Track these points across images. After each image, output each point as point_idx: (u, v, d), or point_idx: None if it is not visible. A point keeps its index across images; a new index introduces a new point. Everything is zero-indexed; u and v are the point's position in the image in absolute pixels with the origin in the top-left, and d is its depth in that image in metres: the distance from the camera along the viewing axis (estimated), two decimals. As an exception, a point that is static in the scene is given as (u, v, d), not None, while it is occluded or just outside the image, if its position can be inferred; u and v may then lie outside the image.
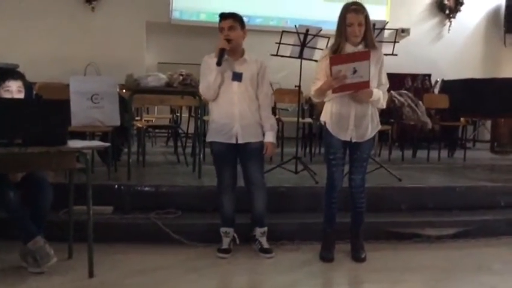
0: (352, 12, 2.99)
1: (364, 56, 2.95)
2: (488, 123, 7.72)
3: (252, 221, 3.36)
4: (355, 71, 2.94)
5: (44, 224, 2.97)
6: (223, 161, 3.25)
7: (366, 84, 2.99)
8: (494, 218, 4.01)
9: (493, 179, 4.78)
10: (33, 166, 2.75)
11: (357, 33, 3.00)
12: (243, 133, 3.18)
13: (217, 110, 3.23)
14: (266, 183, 3.36)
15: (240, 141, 3.19)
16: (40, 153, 2.61)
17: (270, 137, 3.24)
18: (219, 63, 3.08)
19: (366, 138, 3.15)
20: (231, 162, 3.26)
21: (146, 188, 3.90)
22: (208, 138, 3.29)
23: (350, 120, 3.11)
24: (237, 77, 3.15)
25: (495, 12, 9.20)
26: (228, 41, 3.10)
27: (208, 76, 3.14)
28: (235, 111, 3.16)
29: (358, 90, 3.02)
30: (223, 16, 3.18)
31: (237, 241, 3.36)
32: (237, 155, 3.25)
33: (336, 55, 3.02)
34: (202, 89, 3.21)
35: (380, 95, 3.10)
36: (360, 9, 3.00)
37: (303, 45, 4.64)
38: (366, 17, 3.01)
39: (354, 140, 3.14)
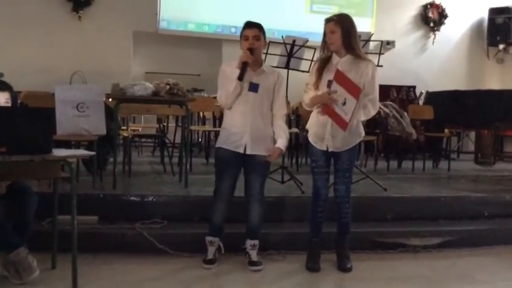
0: (325, 23, 3.12)
1: (355, 92, 3.00)
2: (472, 134, 7.83)
3: (246, 233, 3.32)
4: (344, 103, 3.01)
5: (27, 234, 2.92)
6: (226, 168, 3.22)
7: (344, 125, 3.05)
8: (478, 228, 4.05)
9: (477, 189, 4.83)
10: (17, 175, 2.70)
11: (329, 41, 3.09)
12: (252, 144, 3.17)
13: (230, 118, 3.23)
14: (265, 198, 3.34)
15: (247, 152, 3.17)
16: (24, 162, 2.58)
17: (280, 144, 3.22)
18: (241, 78, 3.08)
19: (343, 148, 3.16)
20: (234, 172, 3.23)
21: (132, 198, 3.87)
22: (217, 144, 3.29)
23: (326, 130, 3.14)
24: (254, 87, 3.15)
25: (478, 25, 9.38)
26: (251, 50, 3.11)
27: (227, 85, 3.13)
28: (248, 122, 3.16)
29: (338, 125, 3.08)
30: (250, 24, 3.19)
31: (222, 250, 3.33)
32: (242, 166, 3.24)
33: (343, 73, 3.06)
34: (221, 97, 3.19)
35: (360, 117, 3.14)
36: (331, 18, 3.10)
37: (290, 55, 4.68)
38: (341, 24, 3.06)
39: (330, 150, 3.16)
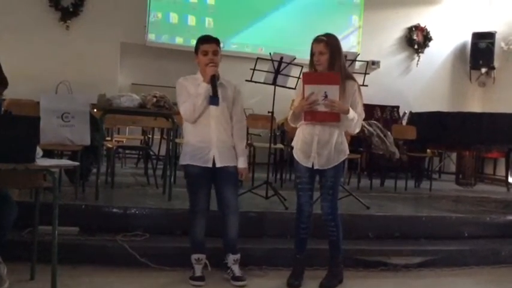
0: (315, 42, 3.13)
1: (333, 79, 3.02)
2: (454, 155, 7.94)
3: (224, 248, 3.30)
4: (326, 96, 3.00)
5: (2, 244, 2.85)
6: (198, 184, 3.20)
7: (335, 117, 3.06)
8: (458, 248, 4.09)
9: (458, 210, 4.88)
10: (-1, 183, 2.68)
11: (317, 62, 3.11)
12: (220, 157, 3.17)
13: (193, 133, 3.21)
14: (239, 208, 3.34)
15: (217, 165, 3.17)
16: (7, 170, 2.55)
17: (242, 163, 3.26)
18: (216, 92, 3.08)
19: (328, 166, 3.17)
20: (206, 186, 3.22)
21: (114, 210, 3.83)
22: (183, 161, 3.24)
23: (312, 147, 3.15)
24: (215, 101, 3.14)
25: (461, 49, 9.58)
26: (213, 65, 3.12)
27: (195, 99, 3.10)
28: (213, 135, 3.16)
29: (328, 121, 3.08)
30: (208, 39, 3.19)
31: (209, 268, 3.27)
32: (212, 179, 3.22)
33: (309, 72, 3.12)
34: (186, 111, 3.14)
35: (355, 116, 3.11)
36: (321, 39, 3.11)
37: (277, 72, 4.72)
38: (330, 46, 3.09)
39: (315, 167, 3.18)
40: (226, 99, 3.21)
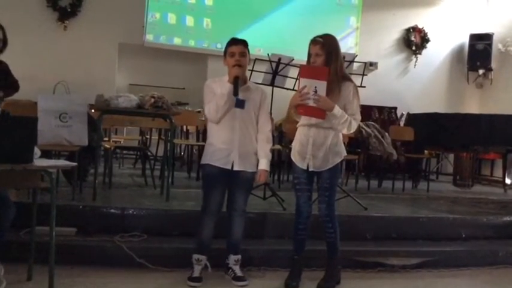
0: (311, 44, 3.13)
1: (321, 75, 3.02)
2: (451, 156, 7.96)
3: (227, 248, 3.30)
4: (315, 90, 3.01)
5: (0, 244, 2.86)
6: (214, 185, 3.20)
7: (321, 113, 3.05)
8: (455, 249, 4.10)
9: (455, 211, 4.89)
10: (-4, 183, 2.67)
11: (313, 64, 3.11)
12: (240, 160, 3.17)
13: (217, 134, 3.20)
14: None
15: (235, 168, 3.17)
16: (4, 171, 2.54)
17: (263, 165, 3.24)
18: (236, 93, 3.07)
19: (323, 167, 3.17)
20: (222, 188, 3.21)
21: (111, 210, 3.82)
22: (203, 161, 3.26)
23: (307, 149, 3.16)
24: (240, 103, 3.14)
25: (459, 50, 9.60)
26: (239, 67, 3.12)
27: (216, 99, 3.11)
28: (235, 138, 3.16)
29: (314, 116, 3.09)
30: (236, 41, 3.19)
31: (209, 269, 3.27)
32: (228, 182, 3.22)
33: (305, 65, 3.13)
34: (209, 111, 3.15)
35: (341, 113, 3.07)
36: (318, 41, 3.11)
37: (275, 73, 4.73)
38: (326, 47, 3.08)
39: (310, 169, 3.18)
40: (252, 103, 3.21)
